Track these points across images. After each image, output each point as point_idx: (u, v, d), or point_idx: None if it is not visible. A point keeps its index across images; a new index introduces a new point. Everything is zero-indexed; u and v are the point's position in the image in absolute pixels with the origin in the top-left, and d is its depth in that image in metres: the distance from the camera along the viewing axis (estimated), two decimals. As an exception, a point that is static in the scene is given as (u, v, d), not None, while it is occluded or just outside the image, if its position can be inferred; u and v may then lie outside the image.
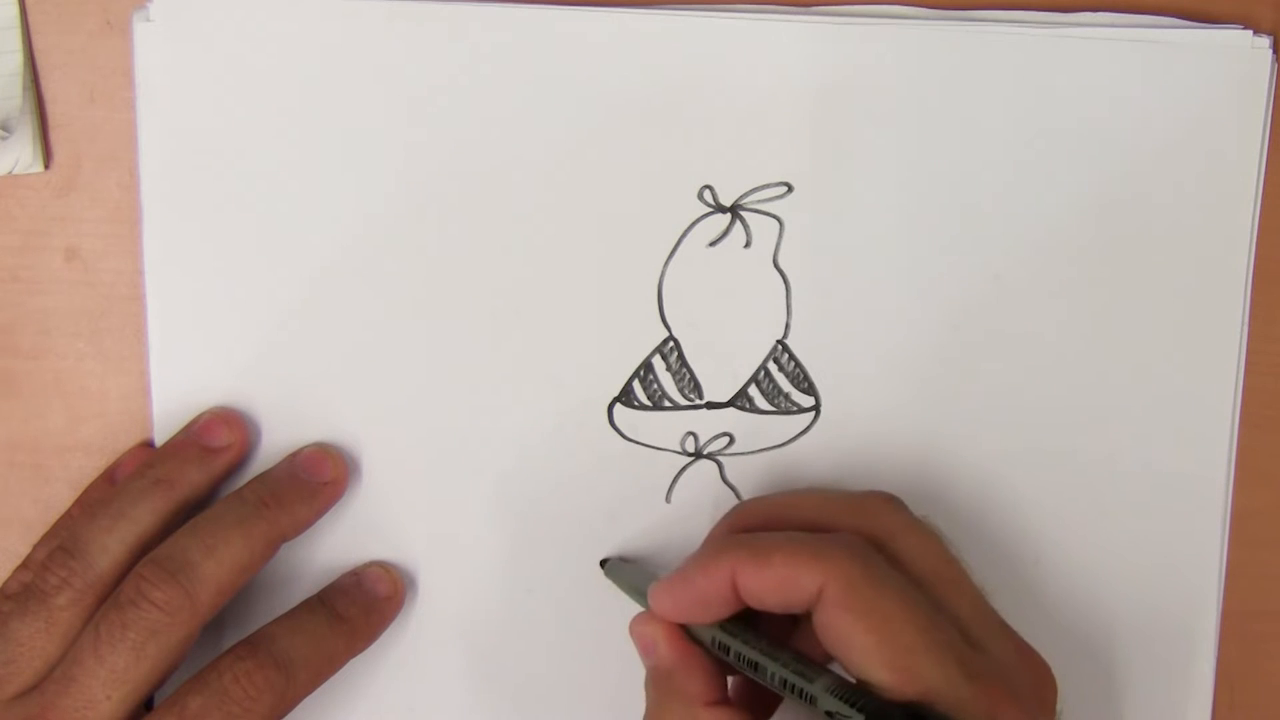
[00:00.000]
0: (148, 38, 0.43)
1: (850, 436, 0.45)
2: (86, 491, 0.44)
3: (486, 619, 0.45)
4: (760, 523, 0.42)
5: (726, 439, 0.45)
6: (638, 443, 0.45)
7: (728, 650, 0.39)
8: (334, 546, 0.45)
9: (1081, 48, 0.44)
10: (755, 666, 0.39)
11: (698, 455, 0.45)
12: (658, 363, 0.45)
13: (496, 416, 0.45)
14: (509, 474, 0.45)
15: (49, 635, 0.40)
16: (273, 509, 0.42)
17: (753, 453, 0.45)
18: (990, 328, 0.45)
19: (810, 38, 0.44)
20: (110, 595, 0.40)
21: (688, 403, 0.45)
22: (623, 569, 0.44)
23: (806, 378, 0.45)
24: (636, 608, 0.45)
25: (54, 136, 0.44)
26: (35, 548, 0.43)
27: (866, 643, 0.37)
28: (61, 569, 0.40)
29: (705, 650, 0.40)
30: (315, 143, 0.43)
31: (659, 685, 0.40)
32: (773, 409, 0.45)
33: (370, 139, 0.43)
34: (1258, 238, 0.45)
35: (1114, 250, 0.45)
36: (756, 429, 0.45)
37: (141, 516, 0.41)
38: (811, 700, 0.37)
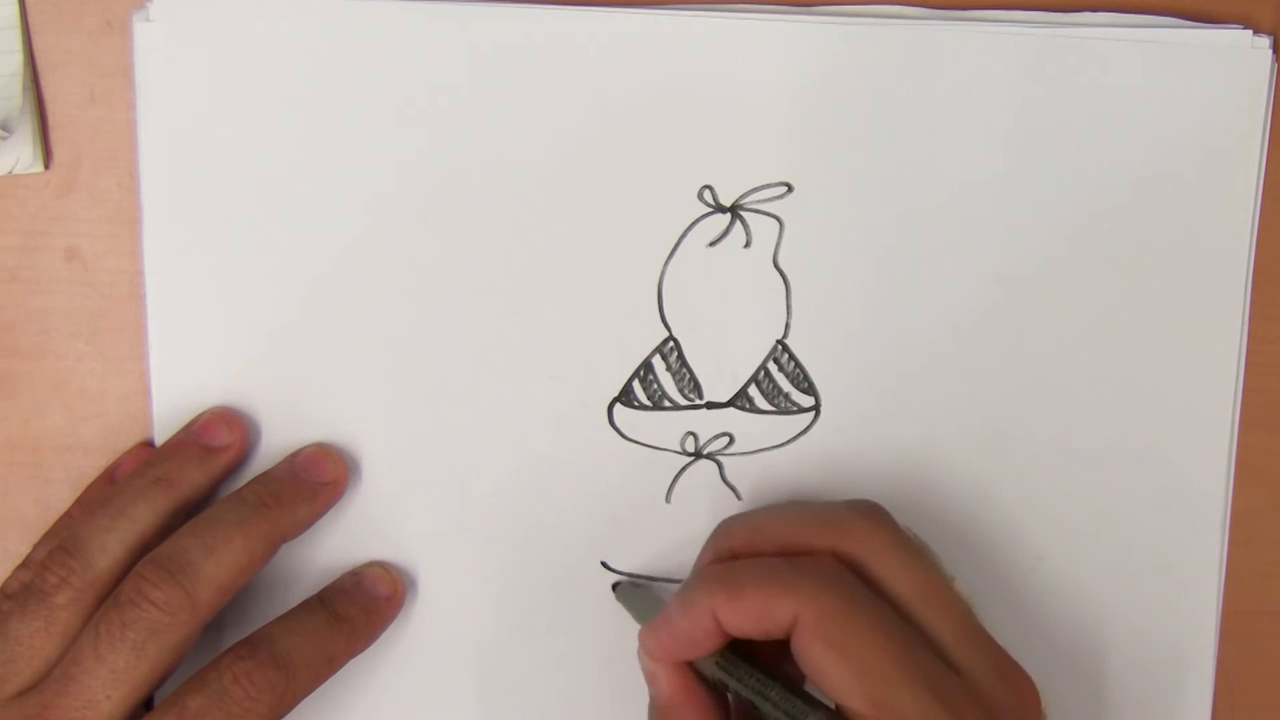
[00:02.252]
0: (148, 38, 0.43)
1: (850, 436, 0.45)
2: (86, 491, 0.44)
3: (486, 619, 0.45)
4: (741, 543, 0.41)
5: (726, 439, 0.45)
6: (638, 443, 0.45)
7: (726, 686, 0.40)
8: (334, 546, 0.45)
9: (1081, 48, 0.44)
10: (750, 699, 0.39)
11: (698, 455, 0.45)
12: (658, 363, 0.45)
13: (497, 416, 0.45)
14: (509, 474, 0.45)
15: (48, 635, 0.40)
16: (273, 509, 0.42)
17: (753, 453, 0.45)
18: (990, 328, 0.45)
19: (810, 38, 0.44)
20: (110, 595, 0.40)
21: (688, 403, 0.45)
22: (634, 594, 0.45)
23: (806, 378, 0.45)
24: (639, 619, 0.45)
25: (54, 136, 0.44)
26: (35, 547, 0.43)
27: (840, 671, 0.37)
28: (61, 568, 0.40)
29: (708, 688, 0.40)
30: (315, 143, 0.43)
31: (660, 718, 0.41)
32: (773, 409, 0.45)
33: (370, 139, 0.43)
34: (1258, 237, 0.45)
35: (1114, 250, 0.45)
36: (756, 429, 0.45)
37: (141, 516, 0.41)
38: None
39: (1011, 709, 0.38)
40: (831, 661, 0.37)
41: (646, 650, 0.41)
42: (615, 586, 0.45)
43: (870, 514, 0.41)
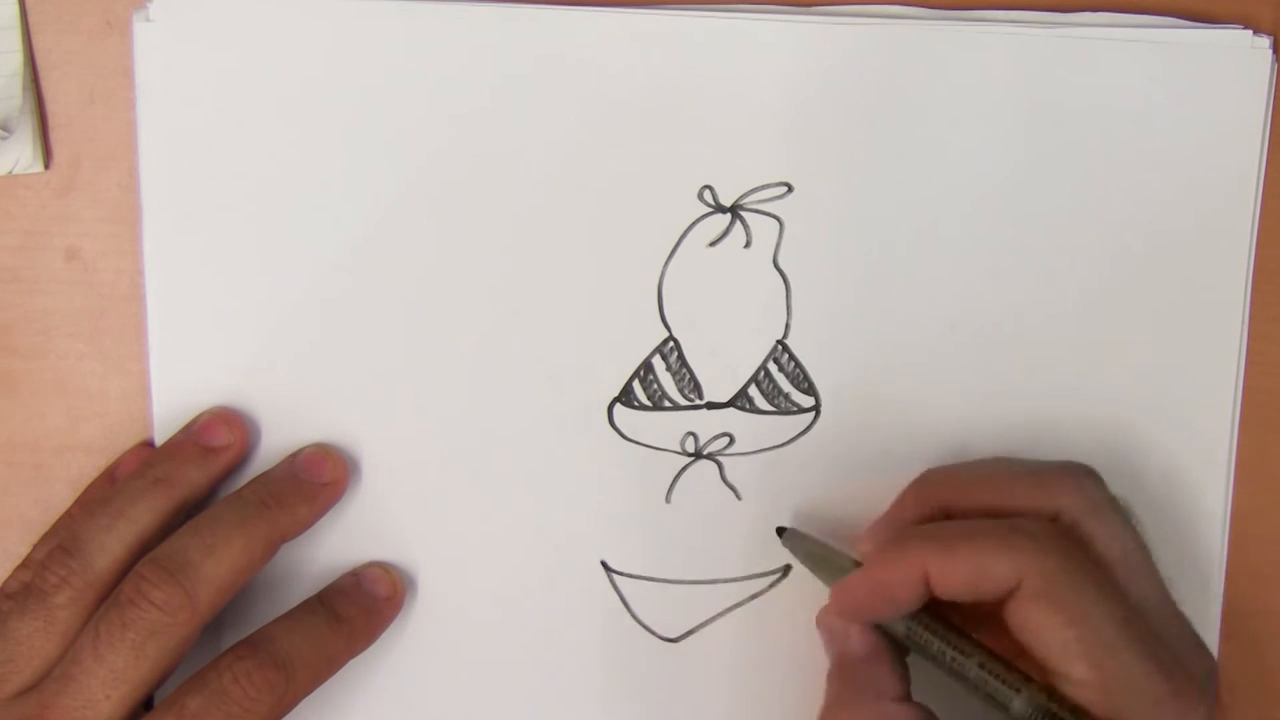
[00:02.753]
0: (148, 38, 0.43)
1: (850, 436, 0.45)
2: (86, 491, 0.44)
3: (486, 619, 0.45)
4: (948, 496, 0.41)
5: (726, 439, 0.45)
6: (638, 443, 0.45)
7: (924, 645, 0.39)
8: (334, 547, 0.45)
9: (1081, 48, 0.44)
10: (951, 664, 0.38)
11: (698, 455, 0.45)
12: (658, 363, 0.45)
13: (496, 416, 0.45)
14: (509, 474, 0.45)
15: (48, 634, 0.40)
16: (273, 509, 0.42)
17: (753, 453, 0.45)
18: (989, 327, 0.45)
19: (810, 38, 0.44)
20: (110, 595, 0.40)
21: (688, 403, 0.45)
22: (801, 540, 0.44)
23: (806, 378, 0.45)
24: (633, 608, 0.45)
25: (54, 136, 0.44)
26: (35, 547, 0.43)
27: (1066, 637, 0.37)
28: (61, 568, 0.40)
29: (895, 645, 0.40)
30: (315, 143, 0.43)
31: (846, 678, 0.40)
32: (773, 409, 0.45)
33: (370, 139, 0.43)
34: (1258, 237, 0.45)
35: (1113, 250, 0.45)
36: (756, 429, 0.45)
37: (141, 516, 0.41)
38: (1006, 708, 0.37)
39: (1202, 680, 0.39)
40: (1057, 625, 0.37)
41: (841, 607, 0.40)
42: (781, 531, 0.44)
43: (1084, 472, 0.41)
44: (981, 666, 0.38)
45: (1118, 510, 0.40)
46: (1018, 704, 0.37)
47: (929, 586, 0.39)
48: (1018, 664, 0.39)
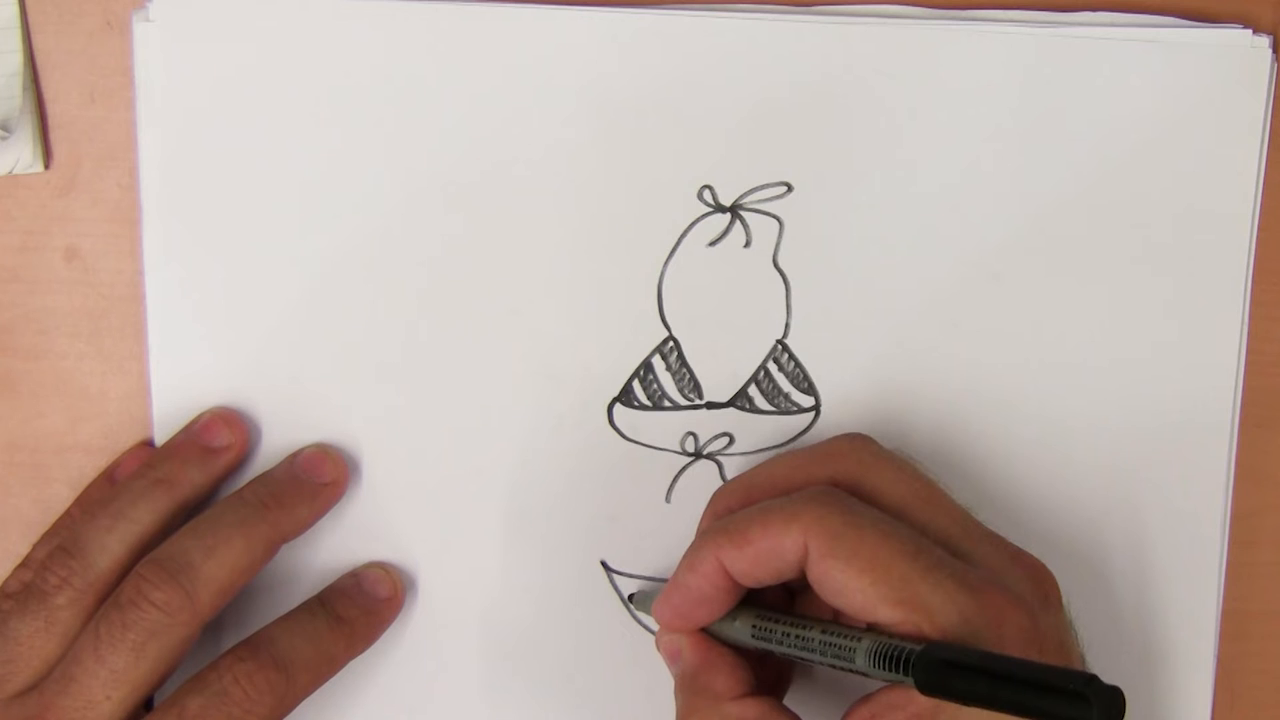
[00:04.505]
0: (148, 38, 0.43)
1: (850, 436, 0.45)
2: (86, 491, 0.44)
3: (486, 620, 0.45)
4: (740, 500, 0.42)
5: (726, 439, 0.45)
6: (638, 443, 0.45)
7: (770, 637, 0.39)
8: (334, 547, 0.45)
9: (1081, 47, 0.44)
10: (797, 644, 0.39)
11: (698, 455, 0.45)
12: (657, 363, 0.45)
13: (496, 416, 0.45)
14: (509, 474, 0.45)
15: (48, 635, 0.40)
16: (273, 510, 0.42)
17: (753, 453, 0.45)
18: (989, 327, 0.45)
19: (810, 38, 0.44)
20: (110, 595, 0.40)
21: (687, 403, 0.45)
22: (651, 596, 0.44)
23: (806, 378, 0.45)
24: (635, 613, 0.45)
25: (54, 136, 0.44)
26: (35, 547, 0.43)
27: (862, 584, 0.37)
28: (61, 568, 0.40)
29: (730, 647, 0.40)
30: (314, 143, 0.43)
31: (686, 688, 0.41)
32: (773, 409, 0.45)
33: (370, 139, 0.43)
34: (1258, 237, 0.45)
35: (1113, 250, 0.45)
36: (756, 429, 0.45)
37: (141, 516, 0.41)
38: (852, 663, 0.37)
39: (1030, 591, 0.39)
40: (851, 577, 0.37)
41: (662, 621, 0.41)
42: (631, 598, 0.45)
43: (852, 437, 0.42)
44: (824, 633, 0.38)
45: (892, 458, 0.41)
46: (860, 653, 0.37)
47: (731, 579, 0.39)
48: None
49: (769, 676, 0.42)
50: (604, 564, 0.45)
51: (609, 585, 0.45)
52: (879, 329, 0.45)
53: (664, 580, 0.45)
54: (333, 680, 0.42)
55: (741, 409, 0.45)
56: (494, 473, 0.45)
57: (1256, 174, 0.45)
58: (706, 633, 0.41)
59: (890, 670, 0.36)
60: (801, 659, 0.39)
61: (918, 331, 0.45)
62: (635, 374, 0.45)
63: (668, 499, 0.45)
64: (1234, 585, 0.47)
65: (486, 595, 0.45)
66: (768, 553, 0.38)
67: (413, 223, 0.44)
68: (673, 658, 0.41)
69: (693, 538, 0.44)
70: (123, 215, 0.44)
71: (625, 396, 0.45)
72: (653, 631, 0.45)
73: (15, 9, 0.43)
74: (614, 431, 0.45)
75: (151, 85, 0.43)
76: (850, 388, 0.45)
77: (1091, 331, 0.45)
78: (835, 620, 0.39)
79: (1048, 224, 0.45)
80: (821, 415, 0.45)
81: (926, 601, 0.36)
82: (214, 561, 0.40)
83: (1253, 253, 0.45)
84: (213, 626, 0.42)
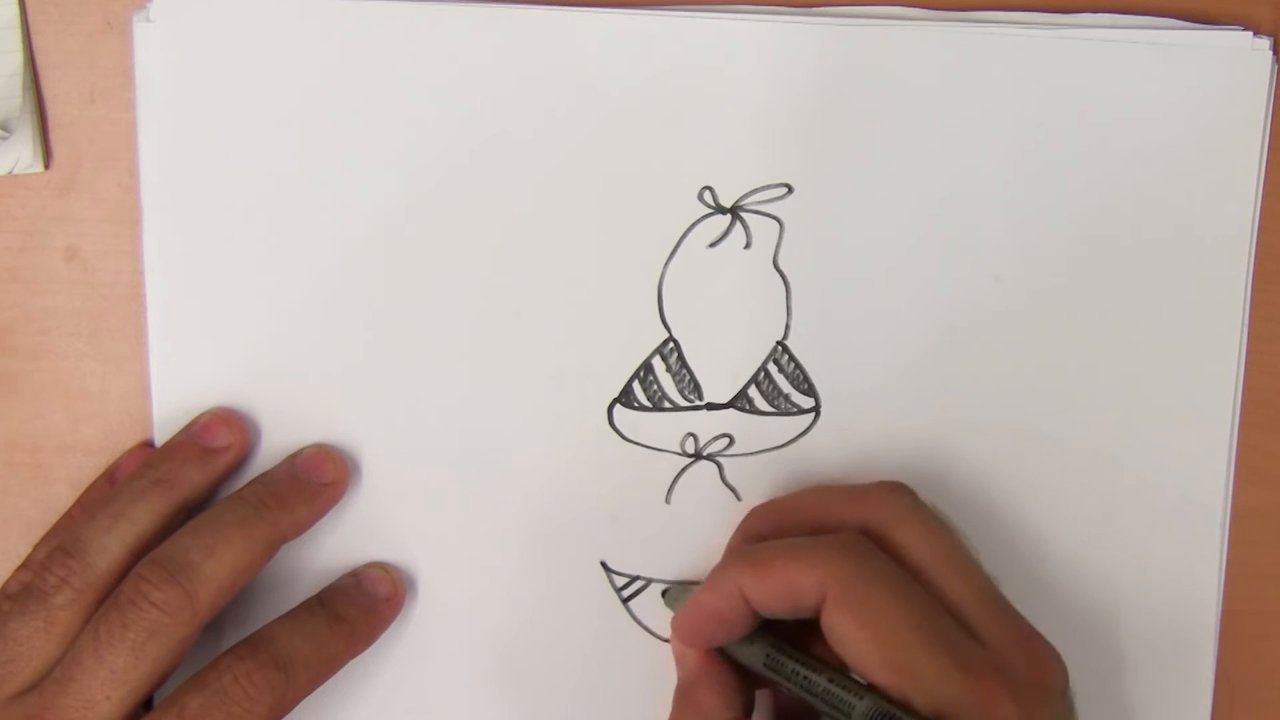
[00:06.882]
0: (148, 38, 0.43)
1: (850, 437, 0.45)
2: (86, 491, 0.44)
3: (486, 620, 0.45)
4: (769, 527, 0.42)
5: (726, 440, 0.45)
6: (637, 444, 0.45)
7: (779, 669, 0.40)
8: (334, 547, 0.45)
9: (1081, 48, 0.44)
10: (803, 683, 0.39)
11: (697, 456, 0.45)
12: (657, 363, 0.45)
13: (497, 417, 0.45)
14: (509, 474, 0.45)
15: (48, 635, 0.40)
16: (273, 510, 0.42)
17: (753, 454, 0.45)
18: (990, 328, 0.45)
19: (810, 38, 0.44)
20: (110, 595, 0.40)
21: (687, 404, 0.45)
22: (683, 596, 0.44)
23: (806, 379, 0.45)
24: (633, 608, 0.45)
25: (54, 136, 0.44)
26: (35, 548, 0.43)
27: (860, 639, 0.37)
28: (61, 569, 0.40)
29: (732, 668, 0.41)
30: (315, 143, 0.43)
31: (681, 699, 0.41)
32: (773, 410, 0.45)
33: (370, 139, 0.43)
34: (1258, 237, 0.45)
35: (1114, 251, 0.45)
36: (756, 430, 0.45)
37: (141, 517, 0.41)
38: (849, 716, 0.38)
39: (1033, 679, 0.39)
40: (852, 630, 0.37)
41: (678, 634, 0.41)
42: (665, 593, 0.45)
43: (891, 487, 0.41)
44: (830, 681, 0.39)
45: (925, 515, 0.40)
46: (858, 713, 0.37)
47: (750, 605, 0.39)
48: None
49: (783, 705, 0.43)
50: (604, 564, 0.45)
51: (609, 585, 0.45)
52: (879, 330, 0.45)
53: (683, 582, 0.45)
54: (333, 680, 0.42)
55: (741, 410, 0.45)
56: (494, 473, 0.45)
57: (1257, 175, 0.45)
58: (722, 650, 0.41)
59: None
60: (804, 699, 0.39)
61: (918, 333, 0.45)
62: (635, 375, 0.45)
63: (668, 500, 0.45)
64: (1234, 585, 0.47)
65: (486, 595, 0.45)
66: (786, 588, 0.39)
67: (412, 223, 0.44)
68: (678, 663, 0.42)
69: (692, 540, 0.45)
70: (123, 215, 0.44)
71: (625, 397, 0.45)
72: (653, 632, 0.45)
73: (15, 9, 0.43)
74: (614, 432, 0.45)
75: (151, 85, 0.43)
76: (850, 389, 0.45)
77: (1091, 331, 0.45)
78: (845, 670, 0.39)
79: (1047, 225, 0.45)
80: (821, 416, 0.45)
81: (921, 673, 0.37)
82: (214, 561, 0.40)
83: (1253, 254, 0.45)
84: (213, 626, 0.42)
